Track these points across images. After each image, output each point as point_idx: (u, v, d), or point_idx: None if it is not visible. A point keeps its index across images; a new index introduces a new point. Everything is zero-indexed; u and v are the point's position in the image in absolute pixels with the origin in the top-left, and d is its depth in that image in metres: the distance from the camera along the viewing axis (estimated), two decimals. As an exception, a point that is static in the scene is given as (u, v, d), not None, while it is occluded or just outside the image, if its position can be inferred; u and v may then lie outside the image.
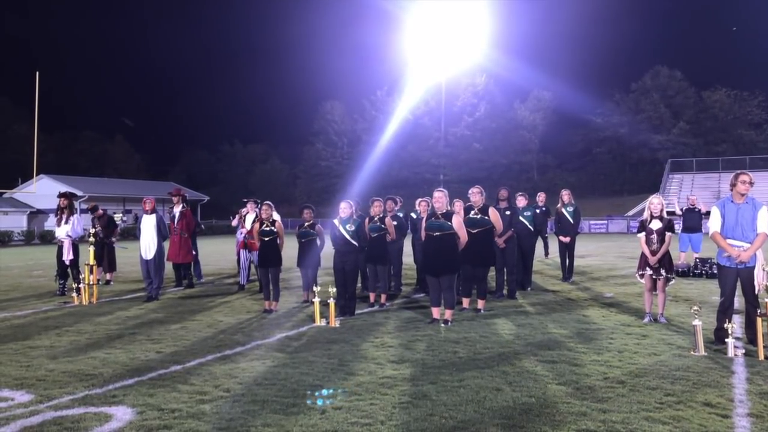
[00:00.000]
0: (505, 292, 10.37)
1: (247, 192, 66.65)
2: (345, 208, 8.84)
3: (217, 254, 21.73)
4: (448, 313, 7.98)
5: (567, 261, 12.64)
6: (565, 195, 12.68)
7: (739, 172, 6.76)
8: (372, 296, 9.65)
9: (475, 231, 8.54)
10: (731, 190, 6.73)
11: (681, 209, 15.19)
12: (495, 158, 65.21)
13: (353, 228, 8.73)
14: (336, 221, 8.85)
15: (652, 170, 60.65)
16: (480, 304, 8.96)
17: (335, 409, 4.65)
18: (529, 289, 11.23)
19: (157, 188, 48.46)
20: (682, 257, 14.44)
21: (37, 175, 38.49)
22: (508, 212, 10.20)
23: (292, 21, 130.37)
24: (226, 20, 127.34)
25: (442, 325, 7.82)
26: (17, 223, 42.14)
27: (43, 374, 5.74)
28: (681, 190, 45.59)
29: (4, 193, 43.67)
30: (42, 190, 36.62)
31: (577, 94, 59.89)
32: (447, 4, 53.57)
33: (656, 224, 7.90)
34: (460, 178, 62.37)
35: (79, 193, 42.46)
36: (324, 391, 5.12)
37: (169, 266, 12.65)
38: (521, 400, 4.82)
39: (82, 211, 30.77)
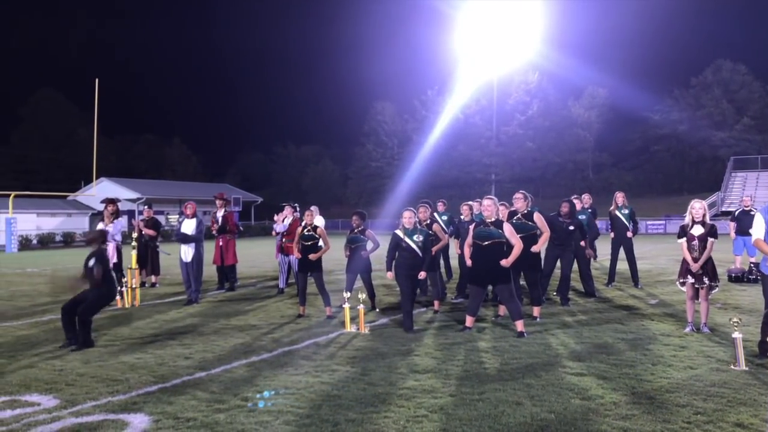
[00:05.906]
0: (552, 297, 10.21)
1: (300, 193, 67.72)
2: (410, 218, 8.29)
3: (264, 256, 22.01)
4: (519, 325, 7.61)
5: (629, 265, 12.19)
6: (620, 197, 12.31)
7: None
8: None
9: (520, 236, 8.29)
10: None
11: (734, 212, 14.49)
12: (548, 157, 63.93)
13: (421, 238, 8.25)
14: (401, 232, 8.29)
15: (713, 168, 58.41)
16: (535, 311, 8.75)
17: (348, 422, 4.60)
18: (597, 295, 10.84)
19: (212, 190, 49.17)
20: (738, 261, 13.79)
21: (97, 178, 40.19)
22: (571, 228, 9.95)
23: (344, 23, 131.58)
24: (281, 24, 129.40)
25: (518, 337, 7.46)
26: (80, 224, 43.78)
27: (73, 379, 5.90)
28: (744, 189, 43.63)
29: (68, 195, 45.60)
30: (102, 193, 37.91)
31: (634, 90, 58.10)
32: (498, 1, 52.85)
33: (698, 230, 7.56)
34: (513, 177, 61.53)
35: (133, 195, 44.04)
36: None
37: (210, 269, 12.91)
38: (540, 416, 4.66)
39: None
